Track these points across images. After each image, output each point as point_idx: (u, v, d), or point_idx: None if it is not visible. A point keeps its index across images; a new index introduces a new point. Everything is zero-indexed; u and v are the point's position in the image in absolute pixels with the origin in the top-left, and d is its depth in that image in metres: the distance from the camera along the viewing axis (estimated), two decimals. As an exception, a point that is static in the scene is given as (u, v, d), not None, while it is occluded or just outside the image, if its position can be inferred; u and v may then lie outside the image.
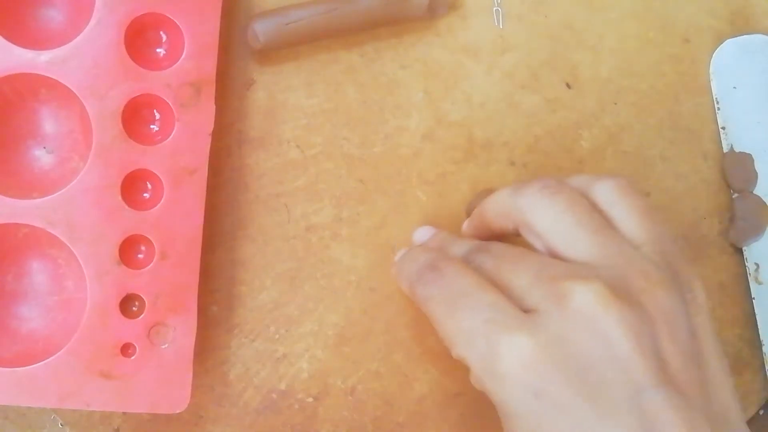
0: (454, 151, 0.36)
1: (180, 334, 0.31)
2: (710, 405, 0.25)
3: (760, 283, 0.37)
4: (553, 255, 0.27)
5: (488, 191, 0.32)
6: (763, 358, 0.37)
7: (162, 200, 0.31)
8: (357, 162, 0.36)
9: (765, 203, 0.38)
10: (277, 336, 0.35)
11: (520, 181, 0.36)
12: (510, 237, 0.30)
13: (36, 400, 0.30)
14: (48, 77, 0.30)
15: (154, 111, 0.32)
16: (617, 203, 0.28)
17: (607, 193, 0.28)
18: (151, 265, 0.31)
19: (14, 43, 0.30)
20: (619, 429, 0.23)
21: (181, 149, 0.31)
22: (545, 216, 0.28)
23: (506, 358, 0.24)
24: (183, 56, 0.31)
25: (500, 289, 0.26)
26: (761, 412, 0.38)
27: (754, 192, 0.38)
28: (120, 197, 0.31)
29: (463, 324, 0.26)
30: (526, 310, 0.25)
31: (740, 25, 0.39)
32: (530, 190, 0.28)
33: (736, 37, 0.39)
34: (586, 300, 0.25)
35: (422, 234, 0.34)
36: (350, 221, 0.35)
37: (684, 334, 0.26)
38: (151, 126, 0.32)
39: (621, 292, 0.25)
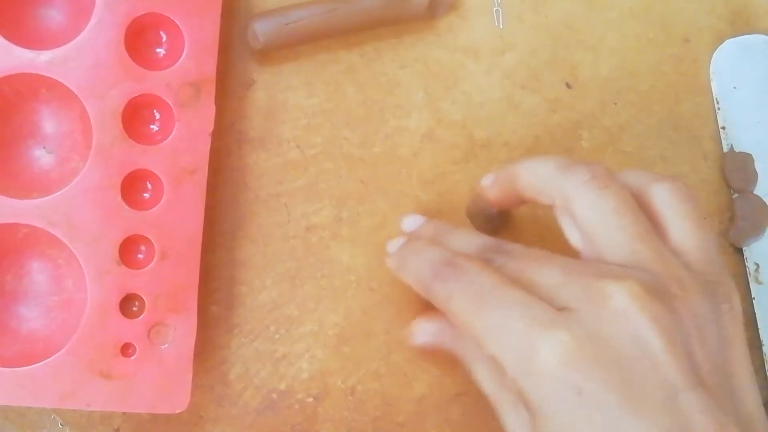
0: (454, 151, 0.36)
1: (180, 334, 0.31)
2: (739, 412, 0.25)
3: (760, 283, 0.37)
4: (588, 245, 0.27)
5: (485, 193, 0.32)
6: (763, 358, 0.37)
7: (162, 200, 0.31)
8: (357, 162, 0.36)
9: (765, 203, 0.38)
10: (277, 336, 0.35)
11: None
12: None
13: (36, 400, 0.30)
14: (48, 77, 0.30)
15: (154, 111, 0.32)
16: (673, 207, 0.28)
17: (664, 195, 0.28)
18: (151, 265, 0.31)
19: (14, 43, 0.30)
20: (655, 428, 0.23)
21: (181, 149, 0.31)
22: (590, 211, 0.27)
23: (545, 354, 0.24)
24: (183, 56, 0.31)
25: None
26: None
27: (754, 192, 0.38)
28: (120, 197, 0.31)
29: (493, 321, 0.26)
30: (557, 304, 0.25)
31: (740, 25, 0.39)
32: (579, 177, 0.28)
33: (736, 37, 0.39)
34: (622, 299, 0.24)
35: (411, 222, 0.33)
36: (350, 221, 0.35)
37: (714, 341, 0.26)
38: (151, 126, 0.32)
39: (655, 294, 0.25)
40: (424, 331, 0.32)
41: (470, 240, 0.30)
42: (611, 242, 0.27)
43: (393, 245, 0.32)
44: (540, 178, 0.29)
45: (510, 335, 0.25)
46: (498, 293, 0.26)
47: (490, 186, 0.32)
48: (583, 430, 0.24)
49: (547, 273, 0.26)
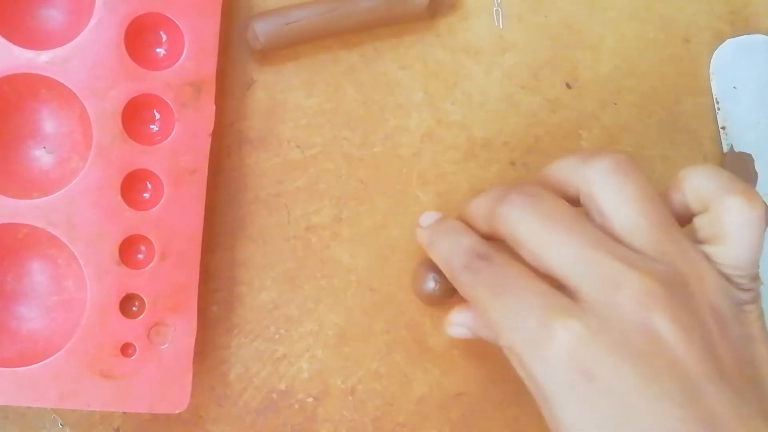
0: (454, 151, 0.36)
1: (180, 334, 0.31)
2: (765, 404, 0.25)
3: (760, 283, 0.37)
4: (609, 232, 0.27)
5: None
6: (763, 358, 0.37)
7: (162, 200, 0.31)
8: (357, 162, 0.36)
9: (765, 203, 0.38)
10: (277, 336, 0.35)
11: (525, 178, 0.36)
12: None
13: (36, 400, 0.30)
14: (48, 77, 0.30)
15: (154, 111, 0.32)
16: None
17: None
18: (151, 265, 0.31)
19: (14, 43, 0.30)
20: (672, 419, 0.23)
21: (181, 149, 0.31)
22: (612, 195, 0.27)
23: (559, 340, 0.24)
24: (183, 56, 0.31)
25: (545, 266, 0.26)
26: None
27: (754, 192, 0.38)
28: (120, 197, 0.31)
29: (512, 308, 0.26)
30: (571, 290, 0.25)
31: (740, 25, 0.39)
32: (602, 164, 0.27)
33: (736, 37, 0.39)
34: (636, 290, 0.24)
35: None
36: (350, 221, 0.35)
37: (737, 337, 0.25)
38: (151, 126, 0.32)
39: (671, 287, 0.25)
40: (459, 324, 0.32)
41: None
42: (632, 228, 0.26)
43: (426, 218, 0.32)
44: (564, 169, 0.29)
45: (523, 323, 0.25)
46: (516, 283, 0.26)
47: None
48: (595, 417, 0.24)
49: (565, 246, 0.26)
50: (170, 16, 0.31)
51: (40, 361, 0.30)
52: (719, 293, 0.26)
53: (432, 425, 0.35)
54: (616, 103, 0.38)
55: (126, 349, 0.31)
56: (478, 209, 0.30)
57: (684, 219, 0.28)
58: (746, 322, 0.26)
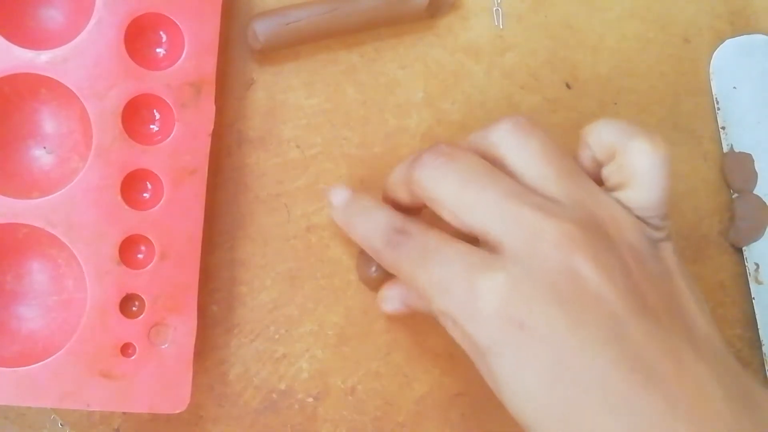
0: (454, 151, 0.36)
1: (180, 334, 0.31)
2: (691, 333, 0.25)
3: (760, 283, 0.37)
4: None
5: None
6: (763, 358, 0.37)
7: (162, 200, 0.31)
8: (357, 162, 0.36)
9: (765, 203, 0.38)
10: (277, 336, 0.35)
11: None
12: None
13: (36, 400, 0.30)
14: (48, 77, 0.30)
15: (154, 111, 0.32)
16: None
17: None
18: (151, 265, 0.31)
19: (14, 43, 0.30)
20: (602, 359, 0.24)
21: (181, 149, 0.31)
22: (518, 152, 0.27)
23: (486, 296, 0.25)
24: (183, 56, 0.31)
25: (466, 223, 0.26)
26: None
27: (754, 192, 0.38)
28: (120, 197, 0.31)
29: (436, 275, 0.26)
30: (493, 244, 0.26)
31: (740, 25, 0.39)
32: (502, 127, 0.28)
33: (736, 37, 0.39)
34: (556, 236, 0.25)
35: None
36: (350, 221, 0.35)
37: (657, 273, 0.26)
38: (151, 126, 0.32)
39: (589, 230, 0.25)
40: (391, 298, 0.32)
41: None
42: (542, 181, 0.27)
43: (336, 196, 0.32)
44: (471, 142, 0.29)
45: (450, 286, 0.26)
46: (438, 249, 0.27)
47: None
48: (532, 364, 0.24)
49: (483, 201, 0.26)
50: (170, 16, 0.31)
51: (40, 361, 0.30)
52: (635, 232, 0.26)
53: (432, 425, 0.35)
54: (616, 103, 0.38)
55: (126, 349, 0.31)
56: (397, 178, 0.30)
57: (595, 175, 0.29)
58: (663, 258, 0.27)
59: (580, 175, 0.28)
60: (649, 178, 0.27)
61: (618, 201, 0.27)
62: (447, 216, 0.27)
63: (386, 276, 0.32)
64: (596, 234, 0.25)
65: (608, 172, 0.28)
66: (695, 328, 0.26)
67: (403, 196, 0.30)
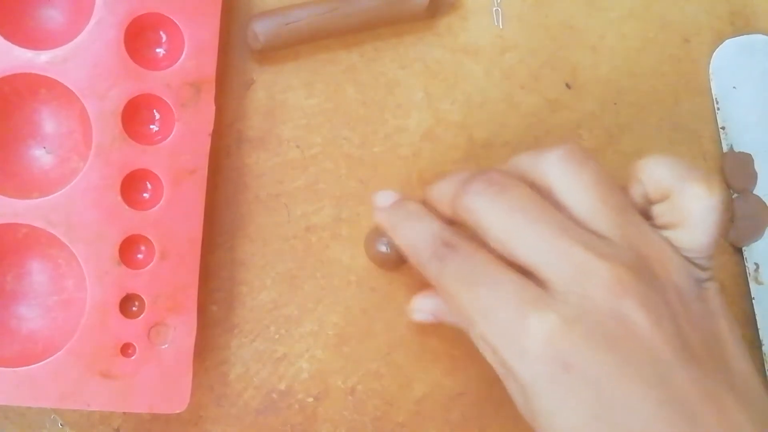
0: (454, 151, 0.36)
1: (180, 334, 0.31)
2: (732, 377, 0.25)
3: (760, 283, 0.37)
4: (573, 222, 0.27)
5: None
6: (763, 358, 0.37)
7: (162, 200, 0.31)
8: (357, 162, 0.36)
9: (765, 203, 0.38)
10: (277, 336, 0.35)
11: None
12: None
13: (36, 400, 0.30)
14: (48, 77, 0.30)
15: (154, 111, 0.32)
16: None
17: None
18: (151, 265, 0.31)
19: (14, 43, 0.30)
20: (647, 402, 0.24)
21: (180, 149, 0.31)
22: (569, 183, 0.27)
23: (534, 332, 0.24)
24: (183, 56, 0.31)
25: (513, 255, 0.26)
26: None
27: (754, 192, 0.38)
28: (120, 197, 0.31)
29: (484, 299, 0.26)
30: (541, 279, 0.25)
31: (740, 25, 0.39)
32: (554, 155, 0.27)
33: (736, 37, 0.39)
34: (607, 279, 0.25)
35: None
36: (350, 221, 0.35)
37: (700, 315, 0.26)
38: (151, 126, 0.32)
39: (639, 273, 0.25)
40: (424, 307, 0.32)
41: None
42: (592, 214, 0.26)
43: (383, 198, 0.32)
44: (520, 166, 0.29)
45: (498, 315, 0.25)
46: (488, 273, 0.26)
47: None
48: (573, 406, 0.24)
49: (533, 236, 0.26)
50: (170, 16, 0.31)
51: (40, 361, 0.30)
52: (681, 273, 0.26)
53: (432, 425, 0.35)
54: (616, 103, 0.38)
55: (126, 349, 0.31)
56: (441, 195, 0.30)
57: (644, 210, 0.28)
58: (707, 299, 0.27)
59: (631, 210, 0.27)
60: (702, 222, 0.27)
61: (667, 240, 0.27)
62: (494, 245, 0.27)
63: (397, 256, 0.32)
64: (645, 277, 0.25)
65: (660, 211, 0.28)
66: (736, 371, 0.26)
67: (446, 211, 0.29)
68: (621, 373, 0.24)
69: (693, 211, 0.27)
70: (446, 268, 0.27)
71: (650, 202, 0.28)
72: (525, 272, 0.26)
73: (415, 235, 0.29)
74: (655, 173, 0.28)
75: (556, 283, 0.25)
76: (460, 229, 0.28)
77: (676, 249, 0.27)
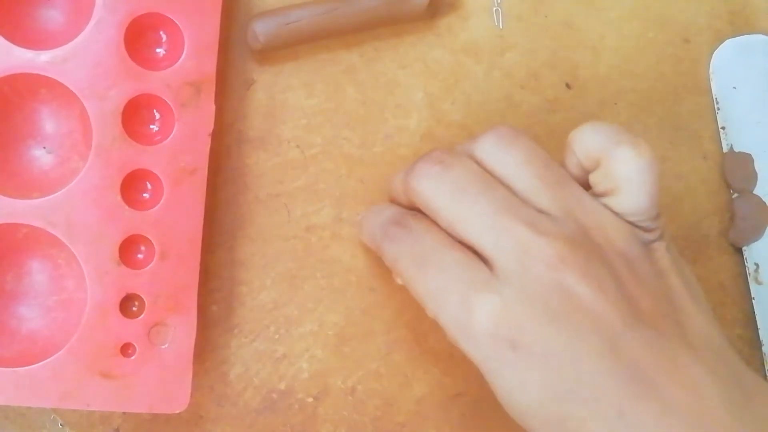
0: (454, 151, 0.36)
1: (180, 334, 0.31)
2: (688, 334, 0.25)
3: (760, 284, 0.37)
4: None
5: None
6: (763, 358, 0.37)
7: (162, 200, 0.31)
8: (357, 162, 0.36)
9: (765, 203, 0.38)
10: (277, 336, 0.35)
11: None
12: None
13: (36, 400, 0.30)
14: (48, 77, 0.30)
15: (154, 111, 0.32)
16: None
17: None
18: (151, 265, 0.31)
19: (14, 43, 0.30)
20: (597, 372, 0.24)
21: (181, 149, 0.31)
22: (505, 167, 0.27)
23: (478, 316, 0.25)
24: (183, 56, 0.31)
25: (460, 235, 0.26)
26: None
27: (754, 192, 0.38)
28: (120, 197, 0.31)
29: (431, 282, 0.26)
30: (486, 257, 0.26)
31: (740, 25, 0.39)
32: (486, 139, 0.28)
33: (736, 37, 0.39)
34: (548, 255, 0.25)
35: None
36: (350, 221, 0.35)
37: (649, 274, 0.26)
38: (151, 126, 0.32)
39: (580, 246, 0.25)
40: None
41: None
42: (530, 191, 0.27)
43: (362, 214, 0.33)
44: (398, 193, 0.30)
45: (446, 298, 0.26)
46: (437, 254, 0.27)
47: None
48: (527, 381, 0.25)
49: (476, 214, 0.26)
50: (170, 16, 0.31)
51: (40, 361, 0.30)
52: (625, 238, 0.26)
53: (432, 425, 0.35)
54: (616, 103, 0.38)
55: (126, 349, 0.31)
56: (396, 185, 0.30)
57: (583, 180, 0.29)
58: (656, 259, 0.27)
59: (568, 182, 0.28)
60: (635, 185, 0.27)
61: (607, 207, 0.27)
62: (443, 225, 0.27)
63: None
64: (586, 248, 0.26)
65: (595, 179, 0.28)
66: (692, 328, 0.26)
67: (403, 202, 0.30)
68: (569, 346, 0.24)
69: (624, 174, 0.27)
70: (399, 248, 0.28)
71: (586, 172, 0.28)
72: (475, 251, 0.26)
73: (373, 223, 0.30)
74: (584, 142, 0.28)
75: (500, 261, 0.25)
76: (417, 213, 0.29)
77: (617, 215, 0.27)
